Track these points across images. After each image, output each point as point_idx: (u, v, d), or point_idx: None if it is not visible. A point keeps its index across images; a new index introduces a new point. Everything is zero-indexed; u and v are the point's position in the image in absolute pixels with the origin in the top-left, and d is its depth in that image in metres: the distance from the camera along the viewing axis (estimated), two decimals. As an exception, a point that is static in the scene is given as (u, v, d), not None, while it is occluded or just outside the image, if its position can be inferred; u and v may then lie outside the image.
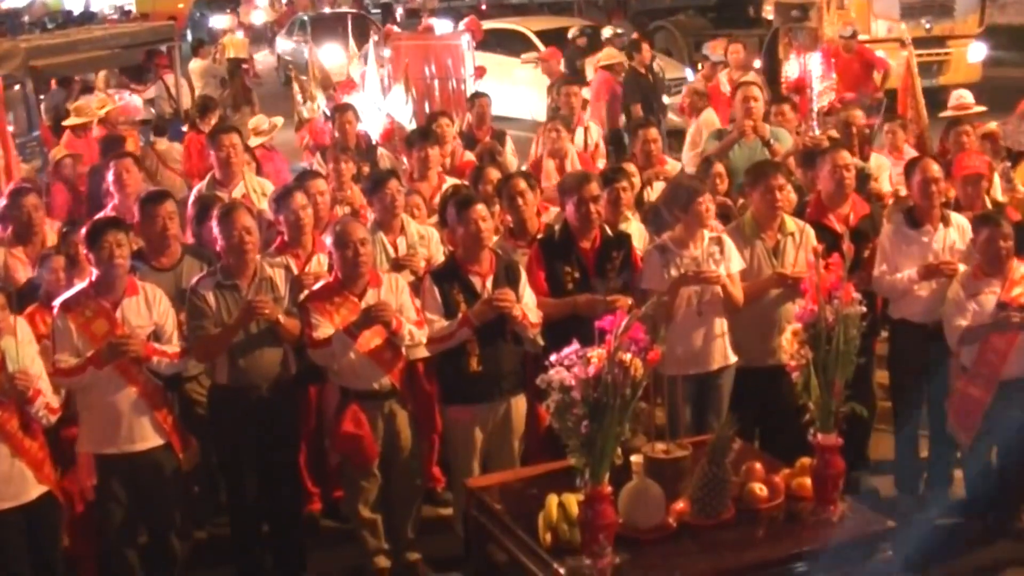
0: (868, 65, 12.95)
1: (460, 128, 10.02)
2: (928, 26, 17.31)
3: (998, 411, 5.84)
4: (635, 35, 15.00)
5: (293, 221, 6.25)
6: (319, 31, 23.29)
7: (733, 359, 6.11)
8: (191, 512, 6.14)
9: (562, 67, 14.04)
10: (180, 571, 5.81)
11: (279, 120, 10.60)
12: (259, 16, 34.30)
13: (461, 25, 15.03)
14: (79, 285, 5.57)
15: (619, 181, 6.71)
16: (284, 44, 26.50)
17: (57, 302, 5.48)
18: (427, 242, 6.61)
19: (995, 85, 15.91)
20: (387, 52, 12.59)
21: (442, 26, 17.31)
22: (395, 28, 17.07)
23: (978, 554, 5.98)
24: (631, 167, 7.53)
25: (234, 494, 5.93)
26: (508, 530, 4.61)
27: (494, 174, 7.38)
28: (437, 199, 7.33)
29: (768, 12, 17.06)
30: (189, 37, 28.53)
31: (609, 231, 6.22)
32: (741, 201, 7.24)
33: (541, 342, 5.69)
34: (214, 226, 5.78)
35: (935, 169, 6.27)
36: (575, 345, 4.08)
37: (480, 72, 12.57)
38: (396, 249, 6.51)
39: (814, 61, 10.36)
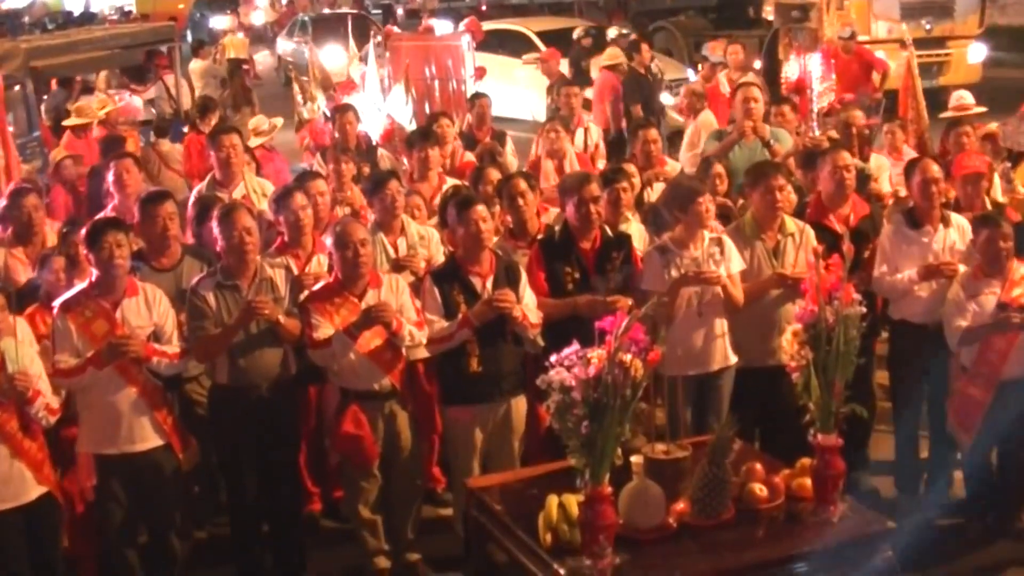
0: (867, 66, 12.95)
1: (460, 129, 10.02)
2: (928, 27, 17.31)
3: (998, 411, 5.84)
4: (633, 36, 14.99)
5: (293, 222, 6.25)
6: (320, 32, 23.31)
7: (733, 360, 6.11)
8: (191, 512, 6.14)
9: (564, 68, 14.05)
10: (180, 571, 5.81)
11: (279, 121, 10.61)
12: (259, 17, 34.32)
13: (461, 26, 15.03)
14: (79, 285, 5.57)
15: (619, 182, 6.71)
16: (285, 45, 26.50)
17: (57, 302, 5.48)
18: (427, 243, 6.61)
19: (995, 86, 15.94)
20: (387, 54, 12.61)
21: (442, 27, 17.33)
22: (395, 29, 17.06)
23: (978, 554, 5.98)
24: (631, 168, 7.53)
25: (234, 494, 5.93)
26: (508, 530, 4.61)
27: (494, 175, 7.38)
28: (437, 200, 7.33)
29: (768, 13, 17.07)
30: (189, 38, 28.52)
31: (609, 232, 6.22)
32: (741, 202, 7.24)
33: (541, 343, 5.69)
34: (214, 226, 5.78)
35: (935, 170, 6.28)
36: (575, 346, 4.08)
37: (480, 73, 12.58)
38: (396, 250, 6.51)
39: (814, 62, 10.37)
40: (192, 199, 7.42)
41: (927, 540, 5.56)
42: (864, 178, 7.48)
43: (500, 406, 5.84)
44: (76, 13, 35.08)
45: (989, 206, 6.88)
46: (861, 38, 14.23)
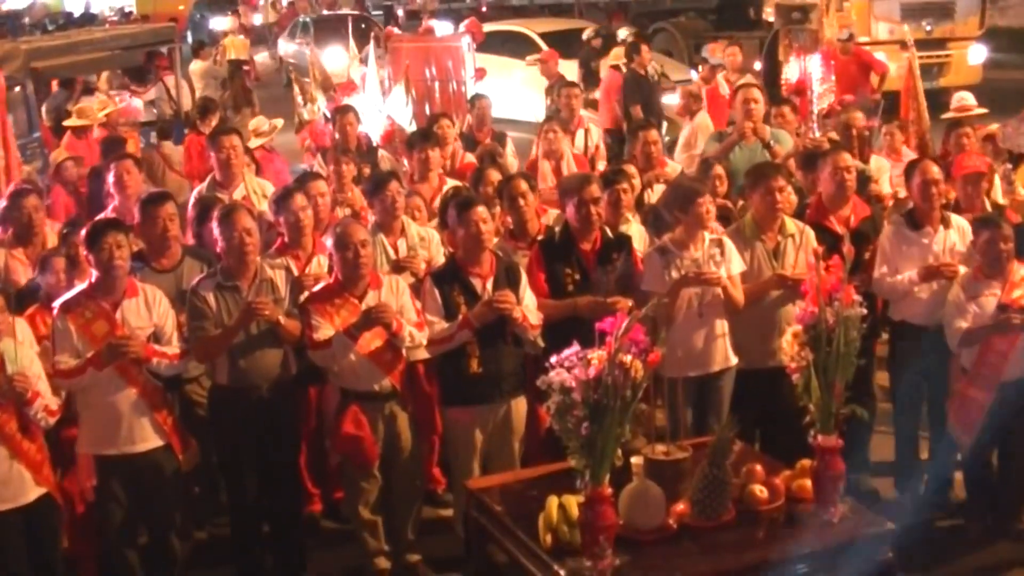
0: (865, 67, 12.96)
1: (460, 130, 10.02)
2: (929, 28, 17.32)
3: (998, 412, 5.84)
4: (632, 37, 15.00)
5: (293, 222, 6.26)
6: (320, 33, 23.34)
7: (734, 361, 6.11)
8: (191, 512, 6.15)
9: (564, 68, 14.05)
10: (180, 571, 5.81)
11: (279, 122, 10.62)
12: (259, 18, 34.32)
13: (461, 27, 15.03)
14: (79, 286, 5.57)
15: (619, 183, 6.70)
16: (285, 46, 26.53)
17: (57, 303, 5.47)
18: (427, 244, 6.61)
19: (995, 87, 15.94)
20: (387, 55, 12.61)
21: (442, 28, 17.33)
22: (396, 30, 17.07)
23: (978, 555, 5.97)
24: (631, 169, 7.53)
25: (234, 494, 5.93)
26: (508, 531, 4.61)
27: (495, 176, 7.37)
28: (438, 201, 7.33)
29: (769, 14, 17.09)
30: (189, 39, 28.55)
31: (609, 233, 6.22)
32: (741, 203, 7.24)
33: (541, 344, 5.69)
34: (214, 227, 5.78)
35: (935, 171, 6.28)
36: (575, 347, 4.08)
37: (480, 74, 12.58)
38: (396, 251, 6.51)
39: (814, 63, 10.38)
40: (192, 200, 7.41)
41: (927, 541, 5.57)
42: (864, 179, 7.48)
43: (500, 407, 5.84)
44: (76, 14, 35.10)
45: (989, 207, 6.89)
46: (862, 39, 14.25)
